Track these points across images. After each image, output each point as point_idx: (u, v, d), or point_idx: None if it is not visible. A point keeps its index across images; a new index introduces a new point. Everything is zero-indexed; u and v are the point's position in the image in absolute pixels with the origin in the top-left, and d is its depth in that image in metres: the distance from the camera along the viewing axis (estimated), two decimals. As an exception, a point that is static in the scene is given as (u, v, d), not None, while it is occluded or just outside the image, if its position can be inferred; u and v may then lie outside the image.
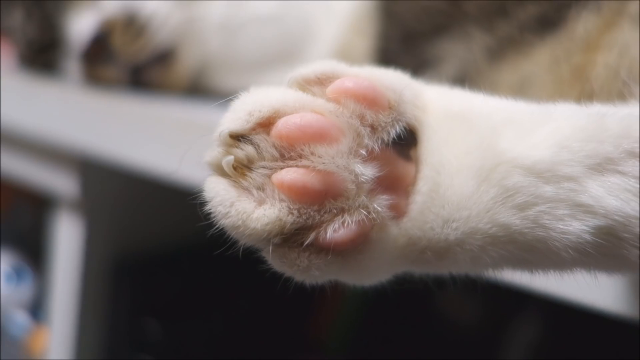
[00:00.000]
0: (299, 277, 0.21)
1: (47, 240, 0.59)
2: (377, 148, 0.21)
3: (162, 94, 0.53)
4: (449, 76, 0.42)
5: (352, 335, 0.75)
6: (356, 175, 0.20)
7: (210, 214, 0.21)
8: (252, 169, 0.20)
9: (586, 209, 0.20)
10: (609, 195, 0.20)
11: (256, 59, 0.55)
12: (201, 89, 0.56)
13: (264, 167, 0.20)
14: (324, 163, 0.20)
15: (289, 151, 0.20)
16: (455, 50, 0.41)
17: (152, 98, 0.51)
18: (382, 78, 0.22)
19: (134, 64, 0.51)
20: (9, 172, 0.57)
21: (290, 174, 0.20)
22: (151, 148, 0.48)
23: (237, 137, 0.20)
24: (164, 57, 0.52)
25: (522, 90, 0.36)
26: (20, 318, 0.68)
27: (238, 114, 0.20)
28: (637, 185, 0.20)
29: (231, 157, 0.20)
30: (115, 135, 0.50)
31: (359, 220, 0.20)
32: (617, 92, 0.30)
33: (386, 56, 0.48)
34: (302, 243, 0.20)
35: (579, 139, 0.20)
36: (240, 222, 0.20)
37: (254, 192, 0.20)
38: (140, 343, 0.59)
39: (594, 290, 0.28)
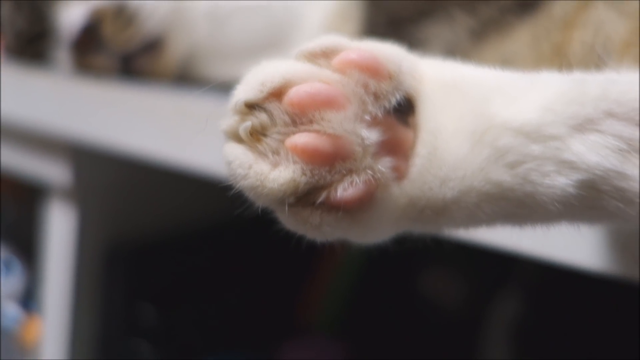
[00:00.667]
0: (310, 234, 0.23)
1: (39, 229, 0.60)
2: (380, 114, 0.23)
3: (151, 81, 0.54)
4: (435, 57, 0.44)
5: (339, 317, 0.77)
6: (362, 139, 0.22)
7: (229, 177, 0.22)
8: (266, 135, 0.22)
9: (570, 165, 0.22)
10: (590, 152, 0.22)
11: (244, 46, 0.56)
12: (189, 77, 0.57)
13: (277, 133, 0.22)
14: (333, 127, 0.22)
15: (300, 117, 0.22)
16: (440, 32, 0.43)
17: (141, 85, 0.52)
18: (382, 50, 0.23)
19: (124, 53, 0.52)
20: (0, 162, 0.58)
21: (302, 138, 0.21)
22: (142, 133, 0.49)
23: (252, 106, 0.22)
24: (153, 46, 0.54)
25: (505, 68, 0.38)
26: (11, 309, 0.69)
27: (252, 84, 0.22)
28: (615, 142, 0.22)
29: (248, 124, 0.22)
30: (106, 122, 0.51)
31: (365, 180, 0.22)
32: (593, 66, 0.32)
33: (371, 28, 0.50)
34: (314, 202, 0.22)
35: (562, 102, 0.23)
36: (258, 183, 0.21)
37: (270, 155, 0.22)
38: (135, 328, 0.60)
39: (576, 249, 0.31)
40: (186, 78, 0.57)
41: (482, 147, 0.23)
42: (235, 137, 0.22)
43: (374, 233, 0.24)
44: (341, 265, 0.78)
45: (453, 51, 0.43)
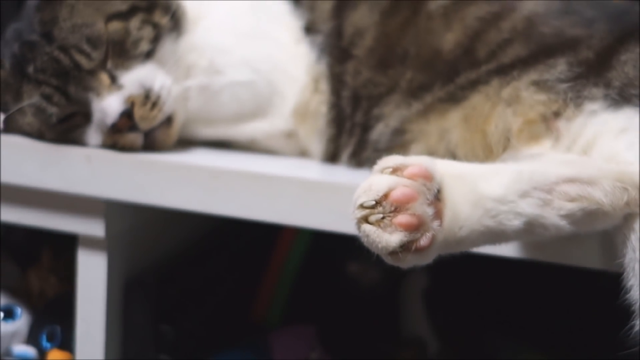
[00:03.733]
0: (403, 266, 0.44)
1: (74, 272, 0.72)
2: (430, 198, 0.45)
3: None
4: (390, 127, 0.66)
5: (285, 310, 0.97)
6: (428, 213, 0.44)
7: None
8: (384, 218, 0.43)
9: (519, 214, 0.47)
10: (527, 207, 0.47)
11: (231, 115, 0.74)
12: (180, 139, 0.73)
13: (388, 216, 0.43)
14: (415, 210, 0.43)
15: (398, 206, 0.43)
16: (394, 110, 0.66)
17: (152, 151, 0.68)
18: (427, 162, 0.45)
19: (147, 129, 0.67)
20: (43, 222, 0.70)
21: (402, 219, 0.43)
22: (158, 188, 0.66)
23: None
24: (167, 121, 0.69)
25: (443, 138, 0.62)
26: (22, 349, 0.79)
27: (372, 192, 0.43)
28: (537, 201, 0.47)
29: (379, 215, 0.42)
30: (131, 183, 0.66)
31: (430, 234, 0.44)
32: (502, 146, 0.57)
33: (338, 110, 0.71)
34: (410, 249, 0.43)
35: (512, 183, 0.47)
36: (385, 245, 0.43)
37: (387, 229, 0.43)
38: (158, 345, 0.75)
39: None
40: (178, 140, 0.73)
41: (477, 209, 0.46)
42: (365, 220, 0.43)
43: (429, 258, 0.46)
44: (284, 266, 0.98)
45: (405, 123, 0.65)
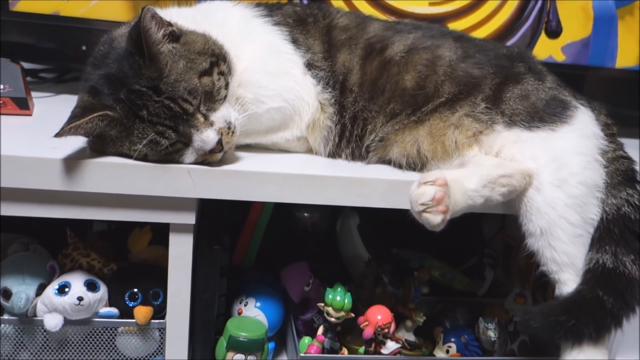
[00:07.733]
0: (437, 230, 0.89)
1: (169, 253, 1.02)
2: (448, 194, 0.89)
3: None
4: (378, 137, 1.07)
5: (256, 254, 1.35)
6: (449, 202, 0.89)
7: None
8: (433, 207, 0.86)
9: (482, 196, 0.95)
10: (486, 192, 0.95)
11: (264, 129, 1.08)
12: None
13: (435, 207, 0.86)
14: (446, 203, 0.88)
15: (438, 202, 0.87)
16: (382, 127, 1.07)
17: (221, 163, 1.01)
18: (443, 174, 0.90)
19: (227, 149, 0.99)
20: (144, 218, 0.98)
21: (441, 208, 0.88)
22: (245, 188, 0.99)
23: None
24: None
25: (415, 144, 1.05)
26: (107, 309, 1.07)
27: (428, 196, 0.86)
28: (489, 188, 0.94)
29: (434, 209, 0.86)
30: (225, 185, 0.99)
31: (450, 213, 0.89)
32: (454, 151, 1.03)
33: (341, 125, 1.09)
34: (443, 222, 0.88)
35: (479, 180, 0.94)
36: (436, 222, 0.87)
37: (435, 214, 0.87)
38: (220, 293, 1.10)
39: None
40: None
41: (464, 196, 0.93)
42: (424, 211, 0.86)
43: (445, 224, 0.91)
44: (258, 221, 1.35)
45: (387, 134, 1.07)
